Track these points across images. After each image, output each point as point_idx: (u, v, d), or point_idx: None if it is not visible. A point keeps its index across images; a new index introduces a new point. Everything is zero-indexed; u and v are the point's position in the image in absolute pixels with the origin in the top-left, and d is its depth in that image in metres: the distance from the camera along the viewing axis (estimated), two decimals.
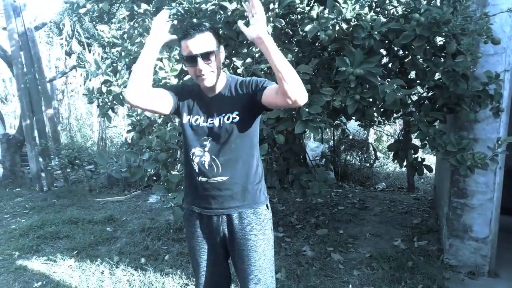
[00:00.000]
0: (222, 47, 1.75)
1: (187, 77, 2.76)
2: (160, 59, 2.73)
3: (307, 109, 2.60)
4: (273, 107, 1.72)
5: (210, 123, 1.73)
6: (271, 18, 2.58)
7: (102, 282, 3.17)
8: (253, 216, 1.79)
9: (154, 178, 3.18)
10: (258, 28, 1.47)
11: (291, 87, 1.48)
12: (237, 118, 1.70)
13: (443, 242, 3.47)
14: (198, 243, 1.85)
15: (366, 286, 3.01)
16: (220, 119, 1.71)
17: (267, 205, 1.86)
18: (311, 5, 2.58)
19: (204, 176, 1.73)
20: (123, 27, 3.46)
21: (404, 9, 2.68)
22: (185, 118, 1.77)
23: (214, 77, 1.68)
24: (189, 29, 1.63)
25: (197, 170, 1.74)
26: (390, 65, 3.09)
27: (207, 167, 1.72)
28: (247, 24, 1.70)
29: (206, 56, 1.62)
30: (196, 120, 1.75)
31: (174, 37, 1.73)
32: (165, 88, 1.82)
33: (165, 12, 1.64)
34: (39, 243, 3.98)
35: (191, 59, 1.63)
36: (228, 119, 1.70)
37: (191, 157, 1.74)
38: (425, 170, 3.29)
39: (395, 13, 2.79)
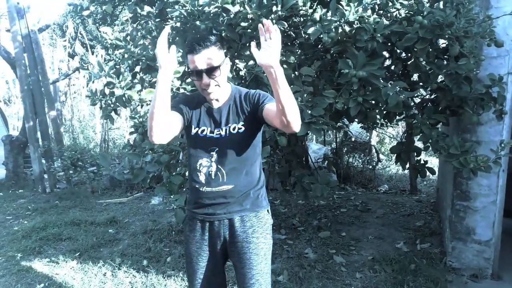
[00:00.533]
0: (227, 59, 1.76)
1: (190, 79, 2.77)
2: None
3: (309, 111, 2.60)
4: (271, 124, 1.71)
5: (216, 134, 1.75)
6: (274, 21, 2.58)
7: (104, 284, 3.17)
8: (255, 220, 1.80)
9: (157, 180, 3.18)
10: (272, 56, 1.42)
11: (290, 119, 1.50)
12: (243, 128, 1.73)
13: (446, 244, 3.45)
14: (197, 249, 1.84)
15: None
16: (226, 129, 1.74)
17: (268, 210, 1.87)
18: (314, 7, 2.58)
19: (210, 186, 1.74)
20: (126, 29, 3.47)
21: (407, 11, 2.68)
22: (193, 130, 1.79)
23: (219, 91, 1.72)
24: (195, 44, 1.64)
25: (203, 181, 1.75)
26: (393, 67, 3.09)
27: (213, 177, 1.73)
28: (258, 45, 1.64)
29: (210, 71, 1.65)
30: (203, 131, 1.77)
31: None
32: (175, 105, 1.79)
33: (164, 36, 1.56)
34: (41, 245, 3.99)
35: (197, 74, 1.66)
36: (234, 129, 1.74)
37: (198, 167, 1.76)
38: (427, 173, 3.28)
39: (398, 15, 2.79)
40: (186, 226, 1.90)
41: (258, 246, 1.78)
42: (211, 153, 1.74)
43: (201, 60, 1.63)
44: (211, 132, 1.76)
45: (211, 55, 1.65)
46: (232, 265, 1.89)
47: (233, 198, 1.75)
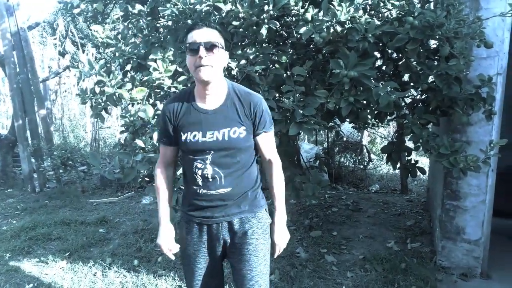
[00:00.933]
0: (227, 52, 1.72)
1: (181, 78, 2.75)
2: (154, 60, 2.72)
3: (301, 111, 2.60)
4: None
5: (210, 137, 1.67)
6: (266, 20, 2.58)
7: (95, 284, 3.15)
8: (254, 221, 1.77)
9: (147, 179, 3.16)
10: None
11: None
12: (244, 133, 1.69)
13: (436, 244, 3.48)
14: (195, 251, 1.80)
15: None
16: (224, 133, 1.67)
17: (266, 209, 1.85)
18: (305, 7, 2.58)
19: (207, 189, 1.70)
20: (117, 27, 3.45)
21: (398, 12, 2.69)
22: (183, 136, 1.70)
23: (212, 73, 1.62)
24: (198, 22, 1.64)
25: (200, 183, 1.70)
26: (384, 67, 3.10)
27: (210, 180, 1.68)
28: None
29: (209, 46, 1.59)
30: (195, 136, 1.68)
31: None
32: (162, 131, 1.81)
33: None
34: (30, 245, 3.95)
35: (194, 47, 1.59)
36: (234, 133, 1.67)
37: (194, 170, 1.69)
38: (418, 172, 3.30)
39: (389, 16, 2.81)
40: (182, 229, 1.85)
41: (257, 247, 1.76)
42: (206, 156, 1.67)
43: (200, 35, 1.59)
44: (203, 136, 1.67)
45: (212, 33, 1.62)
46: (227, 263, 1.88)
47: (231, 201, 1.72)
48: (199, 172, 1.69)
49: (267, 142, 1.78)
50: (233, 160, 1.69)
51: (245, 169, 1.74)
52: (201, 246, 1.79)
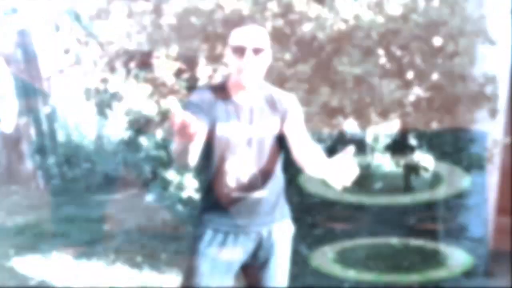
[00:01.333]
0: (270, 50, 1.59)
1: (185, 76, 2.76)
2: (158, 57, 2.72)
3: (304, 109, 2.60)
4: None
5: (247, 133, 1.54)
6: (270, 17, 2.58)
7: (98, 280, 3.16)
8: (282, 230, 1.71)
9: (151, 176, 3.17)
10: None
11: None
12: (279, 129, 1.59)
13: (439, 241, 3.47)
14: (212, 267, 1.58)
15: (362, 286, 3.01)
16: (260, 128, 1.55)
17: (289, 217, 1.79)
18: (309, 4, 2.58)
19: (241, 191, 1.55)
20: (121, 25, 3.45)
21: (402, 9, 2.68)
22: (218, 130, 1.51)
23: (255, 78, 1.51)
24: (245, 17, 1.58)
25: (232, 185, 1.54)
26: (388, 65, 3.09)
27: (245, 182, 1.54)
28: None
29: (256, 52, 1.46)
30: (230, 130, 1.53)
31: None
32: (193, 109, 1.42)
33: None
34: (35, 241, 3.97)
35: (239, 50, 1.45)
36: (270, 129, 1.57)
37: (226, 170, 1.53)
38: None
39: (393, 13, 2.79)
40: (201, 239, 1.61)
41: (282, 260, 1.71)
42: (242, 154, 1.53)
43: (249, 35, 1.45)
44: (241, 131, 1.53)
45: (260, 33, 1.48)
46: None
47: (264, 207, 1.59)
48: (233, 172, 1.54)
49: (301, 128, 1.60)
50: (270, 159, 1.57)
51: (279, 171, 1.65)
52: (222, 261, 1.61)
